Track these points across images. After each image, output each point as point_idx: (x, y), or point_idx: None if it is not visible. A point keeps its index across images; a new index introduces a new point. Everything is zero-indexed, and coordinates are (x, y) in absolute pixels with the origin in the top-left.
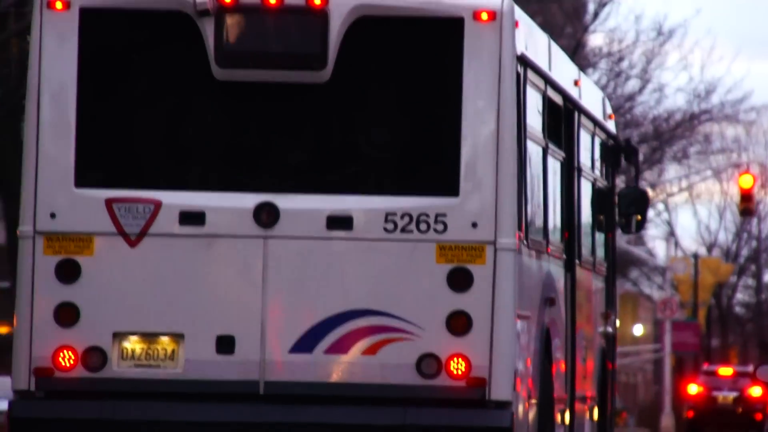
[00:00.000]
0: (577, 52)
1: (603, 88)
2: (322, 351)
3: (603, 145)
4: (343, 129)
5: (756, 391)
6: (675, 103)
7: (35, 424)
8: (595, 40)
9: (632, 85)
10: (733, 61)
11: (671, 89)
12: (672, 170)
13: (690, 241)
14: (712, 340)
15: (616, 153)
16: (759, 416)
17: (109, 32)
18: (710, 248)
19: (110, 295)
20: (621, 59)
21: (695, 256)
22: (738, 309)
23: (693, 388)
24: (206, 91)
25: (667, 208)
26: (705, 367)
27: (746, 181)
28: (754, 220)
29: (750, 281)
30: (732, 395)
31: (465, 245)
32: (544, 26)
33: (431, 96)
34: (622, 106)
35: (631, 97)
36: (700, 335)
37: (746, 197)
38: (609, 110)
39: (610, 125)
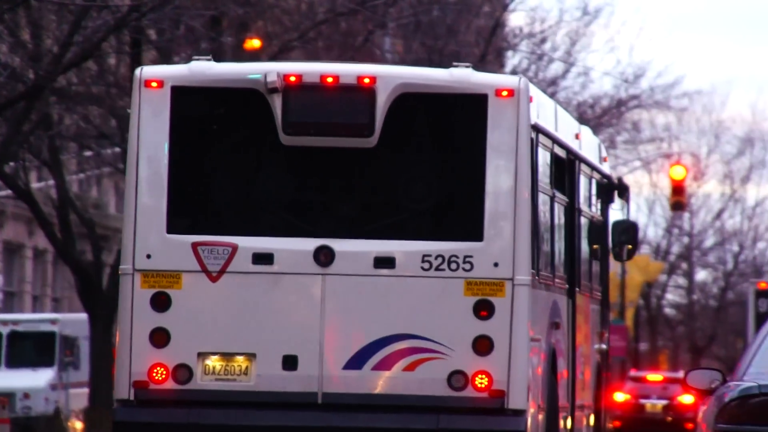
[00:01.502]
0: (495, 33)
1: (524, 72)
2: (370, 368)
3: (599, 184)
4: (388, 185)
5: (687, 399)
6: (601, 88)
7: (134, 427)
8: (516, 19)
9: (555, 68)
10: (664, 44)
11: (597, 73)
12: None
13: None
14: (640, 344)
15: (610, 191)
16: (690, 425)
17: (195, 105)
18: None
19: (195, 321)
20: (543, 41)
21: None
22: (668, 310)
23: (619, 396)
24: (274, 154)
25: None
26: (632, 372)
27: (677, 172)
28: (686, 215)
29: (681, 281)
30: (661, 403)
31: (488, 281)
32: (460, 5)
33: (460, 158)
34: (544, 92)
35: (554, 82)
36: (627, 339)
37: (677, 190)
38: (604, 154)
39: (605, 167)
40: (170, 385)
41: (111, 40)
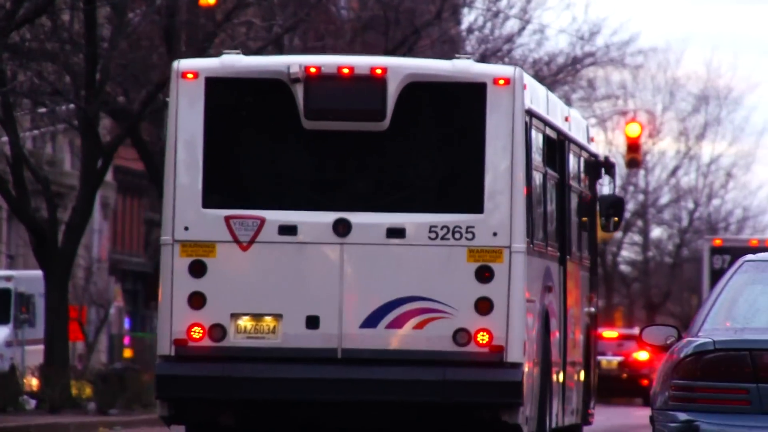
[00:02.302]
0: None
1: (480, 29)
2: (384, 326)
3: (587, 162)
4: (398, 164)
5: (642, 356)
6: (557, 45)
7: (175, 380)
8: None
9: (511, 25)
10: (620, 1)
11: (553, 31)
12: None
13: None
14: None
15: (597, 168)
16: (645, 382)
17: (227, 94)
18: None
19: (228, 286)
20: None
21: None
22: (623, 267)
23: None
24: (297, 137)
25: None
26: None
27: (633, 130)
28: (641, 172)
29: (636, 238)
30: (616, 360)
31: (488, 249)
32: None
33: (463, 139)
34: (500, 49)
35: (509, 39)
36: None
37: (633, 147)
38: (591, 134)
39: (592, 146)
40: (206, 342)
41: None
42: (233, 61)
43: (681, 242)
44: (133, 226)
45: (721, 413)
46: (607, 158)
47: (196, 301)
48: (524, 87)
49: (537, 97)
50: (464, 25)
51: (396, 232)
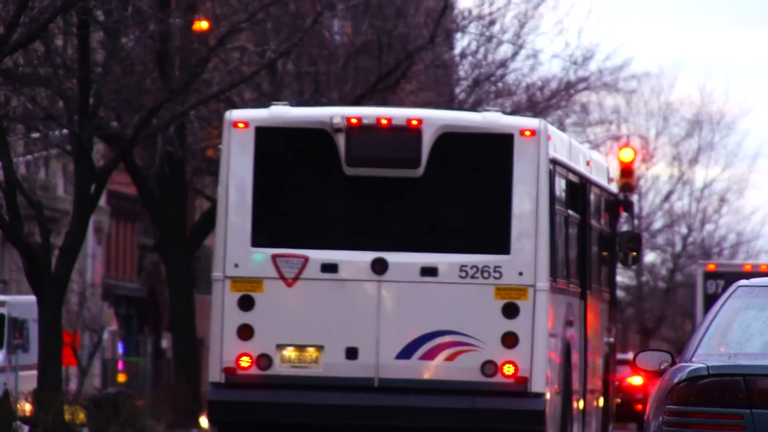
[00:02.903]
0: (444, 15)
1: (473, 54)
2: (417, 358)
3: (607, 202)
4: (432, 208)
5: (636, 381)
6: (550, 70)
7: (225, 405)
8: (465, 1)
9: (504, 50)
10: (613, 26)
11: (546, 55)
12: None
13: None
14: None
15: (616, 207)
16: (639, 407)
17: (275, 142)
18: None
19: (275, 319)
20: (492, 23)
21: None
22: (617, 292)
23: None
24: (339, 182)
25: None
26: None
27: (626, 154)
28: (635, 197)
29: None
30: None
31: (514, 287)
32: None
33: (491, 186)
34: (493, 74)
35: (503, 64)
36: None
37: (626, 172)
38: (611, 175)
39: (612, 186)
40: (254, 371)
41: (58, 20)
42: (281, 112)
43: (674, 267)
44: (126, 251)
45: None
46: (626, 197)
47: (245, 332)
48: (549, 138)
49: (561, 145)
50: (457, 50)
51: (429, 271)
